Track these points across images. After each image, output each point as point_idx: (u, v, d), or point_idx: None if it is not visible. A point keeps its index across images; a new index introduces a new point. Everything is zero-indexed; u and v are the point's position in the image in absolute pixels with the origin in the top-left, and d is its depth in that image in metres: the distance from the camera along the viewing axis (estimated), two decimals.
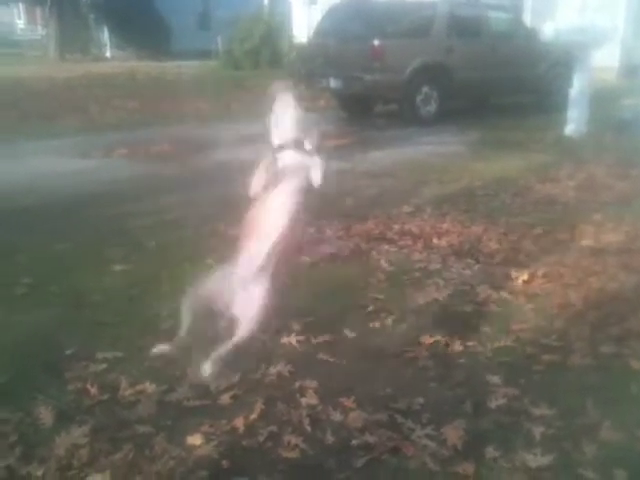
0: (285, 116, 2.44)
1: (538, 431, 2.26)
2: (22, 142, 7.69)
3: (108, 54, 26.18)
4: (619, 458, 2.13)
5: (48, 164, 6.52)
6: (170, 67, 19.59)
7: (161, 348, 2.45)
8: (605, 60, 11.59)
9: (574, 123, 8.16)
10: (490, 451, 2.15)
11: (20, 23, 34.24)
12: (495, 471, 2.07)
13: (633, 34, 15.30)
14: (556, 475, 2.06)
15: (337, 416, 2.35)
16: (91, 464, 2.08)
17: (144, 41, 24.66)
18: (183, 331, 2.40)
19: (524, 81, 10.27)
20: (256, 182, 2.43)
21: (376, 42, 8.83)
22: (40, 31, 29.77)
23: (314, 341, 2.89)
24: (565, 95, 8.41)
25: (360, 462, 2.11)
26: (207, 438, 2.21)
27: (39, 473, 2.03)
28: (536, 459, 2.11)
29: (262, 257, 2.31)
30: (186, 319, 2.39)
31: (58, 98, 11.58)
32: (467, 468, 2.07)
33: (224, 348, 2.23)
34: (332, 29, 9.89)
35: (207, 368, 2.23)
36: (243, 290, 2.29)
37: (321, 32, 10.34)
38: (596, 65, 8.64)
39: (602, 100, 9.03)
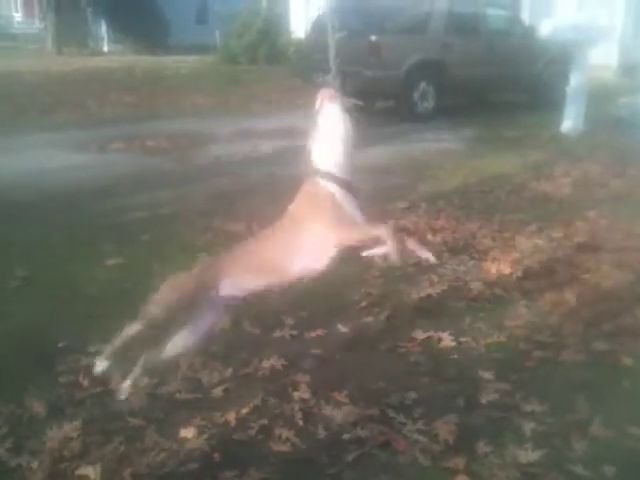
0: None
1: (529, 427, 2.26)
2: (18, 136, 7.65)
3: (105, 48, 26.04)
4: (609, 454, 2.14)
5: (44, 158, 6.49)
6: (168, 61, 19.53)
7: None
8: (603, 58, 11.61)
9: (571, 121, 8.15)
10: (481, 446, 2.16)
11: (17, 16, 34.00)
12: (486, 466, 2.07)
13: (631, 33, 15.31)
14: (546, 471, 2.06)
15: (329, 410, 2.35)
16: (82, 456, 2.08)
17: (142, 35, 24.52)
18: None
19: (521, 78, 10.26)
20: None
21: (373, 38, 8.81)
22: (37, 24, 29.62)
23: (307, 336, 2.89)
24: (562, 93, 8.40)
25: (351, 456, 2.11)
26: (199, 431, 2.21)
27: (30, 465, 2.02)
28: (527, 455, 2.12)
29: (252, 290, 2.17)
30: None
31: (55, 92, 11.53)
32: (458, 463, 2.08)
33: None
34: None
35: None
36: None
37: (318, 27, 10.31)
38: (594, 63, 8.64)
39: (599, 98, 9.02)
